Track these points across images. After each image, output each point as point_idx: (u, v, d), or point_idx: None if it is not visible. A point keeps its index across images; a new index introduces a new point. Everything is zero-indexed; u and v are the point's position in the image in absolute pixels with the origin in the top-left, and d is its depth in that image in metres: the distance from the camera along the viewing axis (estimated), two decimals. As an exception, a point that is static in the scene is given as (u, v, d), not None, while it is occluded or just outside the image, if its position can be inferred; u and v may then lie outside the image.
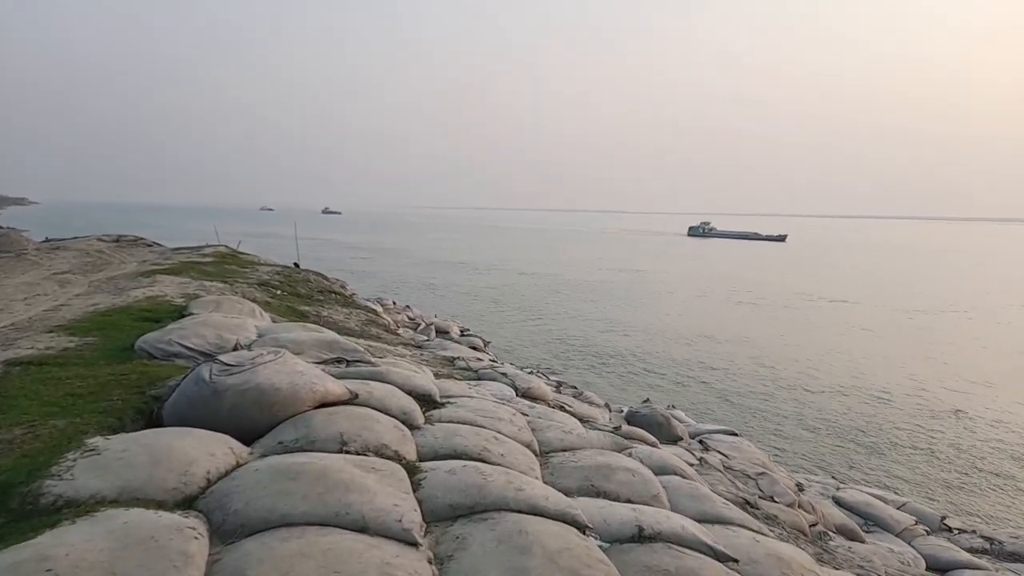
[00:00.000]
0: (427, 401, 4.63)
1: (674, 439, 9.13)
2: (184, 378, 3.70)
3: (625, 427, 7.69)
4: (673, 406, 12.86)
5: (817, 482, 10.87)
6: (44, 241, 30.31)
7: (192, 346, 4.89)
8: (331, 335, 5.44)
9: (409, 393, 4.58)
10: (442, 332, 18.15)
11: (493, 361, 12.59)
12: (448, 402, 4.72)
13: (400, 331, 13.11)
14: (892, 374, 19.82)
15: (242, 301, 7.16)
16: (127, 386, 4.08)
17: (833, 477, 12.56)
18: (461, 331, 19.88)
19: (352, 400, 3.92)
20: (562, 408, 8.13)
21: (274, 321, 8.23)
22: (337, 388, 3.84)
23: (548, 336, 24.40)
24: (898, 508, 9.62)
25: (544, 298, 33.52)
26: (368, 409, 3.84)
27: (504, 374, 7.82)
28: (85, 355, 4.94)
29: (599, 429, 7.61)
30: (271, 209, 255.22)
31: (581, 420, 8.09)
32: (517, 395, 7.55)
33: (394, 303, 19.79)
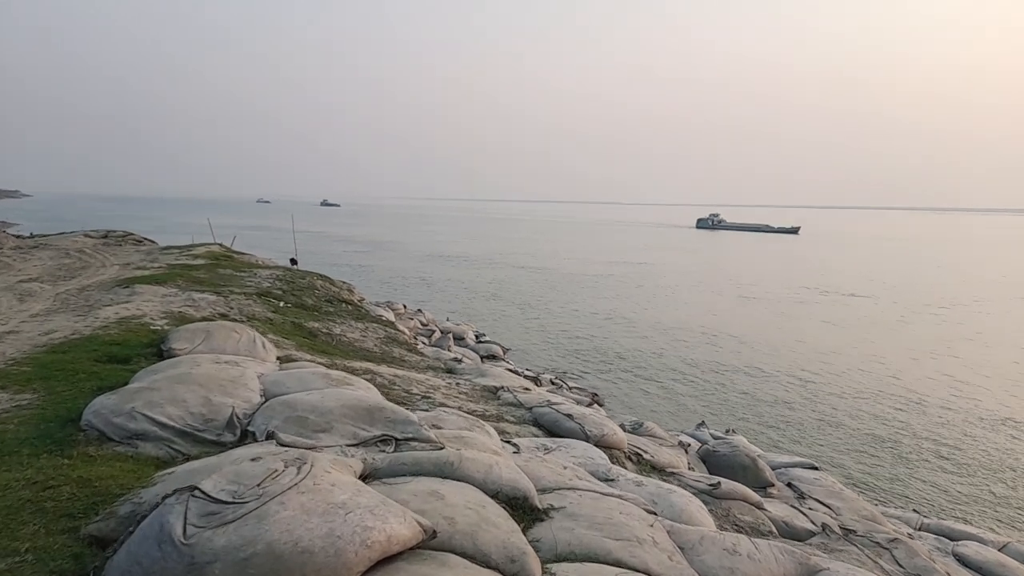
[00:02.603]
0: (523, 508, 3.04)
1: (764, 484, 7.63)
2: (141, 524, 2.08)
3: (723, 484, 6.15)
4: (733, 430, 11.29)
5: (897, 517, 9.38)
6: (29, 236, 28.59)
7: (166, 421, 3.27)
8: (369, 396, 3.82)
9: (495, 496, 3.00)
10: (457, 338, 16.61)
11: (549, 381, 10.91)
12: (551, 508, 3.13)
13: (418, 344, 11.53)
14: (921, 375, 18.34)
15: (239, 328, 5.52)
16: (53, 513, 2.48)
17: (915, 511, 11.05)
18: (476, 336, 18.33)
19: (427, 542, 2.33)
20: (639, 456, 6.58)
21: (279, 347, 6.62)
22: (405, 530, 2.23)
23: (556, 335, 22.84)
24: (1000, 550, 8.16)
25: (547, 293, 31.94)
26: (458, 563, 2.24)
27: (570, 416, 6.22)
28: (7, 433, 3.33)
29: (691, 487, 6.05)
30: (268, 201, 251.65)
31: (663, 471, 6.56)
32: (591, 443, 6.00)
33: (405, 307, 18.16)
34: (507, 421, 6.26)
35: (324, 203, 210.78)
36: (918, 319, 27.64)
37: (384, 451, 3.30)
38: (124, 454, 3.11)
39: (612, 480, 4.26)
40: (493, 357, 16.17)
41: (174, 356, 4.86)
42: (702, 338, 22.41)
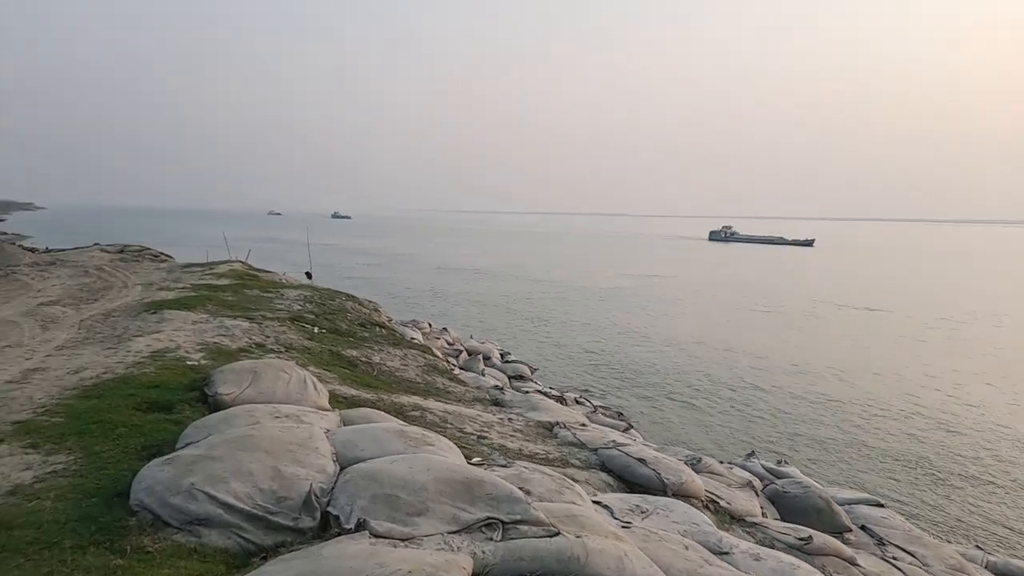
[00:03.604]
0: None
1: (840, 529, 7.00)
2: None
3: (815, 538, 5.58)
4: (784, 461, 10.64)
5: (961, 555, 8.73)
6: (44, 251, 28.32)
7: (233, 503, 2.75)
8: (461, 465, 3.29)
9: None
10: (484, 358, 16.09)
11: (575, 400, 10.12)
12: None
13: (454, 368, 11.00)
14: (950, 395, 17.58)
15: (288, 367, 5.02)
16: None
17: (978, 547, 10.36)
18: (502, 355, 17.79)
19: None
20: (715, 504, 6.00)
21: (322, 380, 6.10)
22: None
23: (572, 350, 22.26)
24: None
25: (562, 307, 31.35)
26: None
27: (643, 460, 5.68)
28: (43, 513, 2.82)
29: (779, 541, 5.49)
30: (279, 213, 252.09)
31: (743, 521, 5.98)
32: (668, 494, 5.44)
33: (430, 326, 17.66)
34: (573, 466, 5.72)
35: (335, 215, 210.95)
36: (943, 334, 26.89)
37: (491, 538, 2.77)
38: (186, 546, 2.59)
39: (726, 554, 3.72)
40: (521, 377, 15.65)
41: (220, 402, 4.36)
42: (721, 354, 21.76)
